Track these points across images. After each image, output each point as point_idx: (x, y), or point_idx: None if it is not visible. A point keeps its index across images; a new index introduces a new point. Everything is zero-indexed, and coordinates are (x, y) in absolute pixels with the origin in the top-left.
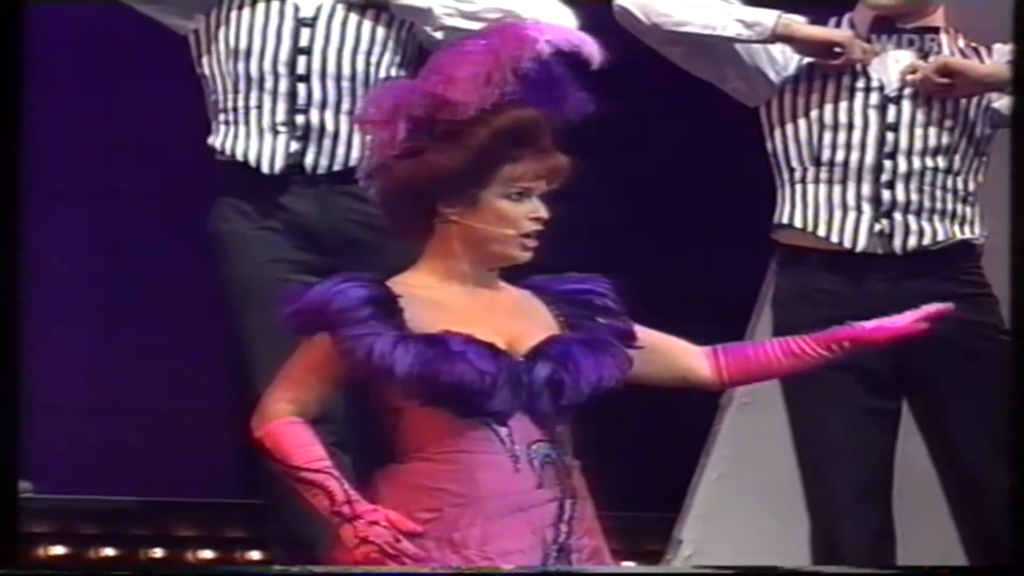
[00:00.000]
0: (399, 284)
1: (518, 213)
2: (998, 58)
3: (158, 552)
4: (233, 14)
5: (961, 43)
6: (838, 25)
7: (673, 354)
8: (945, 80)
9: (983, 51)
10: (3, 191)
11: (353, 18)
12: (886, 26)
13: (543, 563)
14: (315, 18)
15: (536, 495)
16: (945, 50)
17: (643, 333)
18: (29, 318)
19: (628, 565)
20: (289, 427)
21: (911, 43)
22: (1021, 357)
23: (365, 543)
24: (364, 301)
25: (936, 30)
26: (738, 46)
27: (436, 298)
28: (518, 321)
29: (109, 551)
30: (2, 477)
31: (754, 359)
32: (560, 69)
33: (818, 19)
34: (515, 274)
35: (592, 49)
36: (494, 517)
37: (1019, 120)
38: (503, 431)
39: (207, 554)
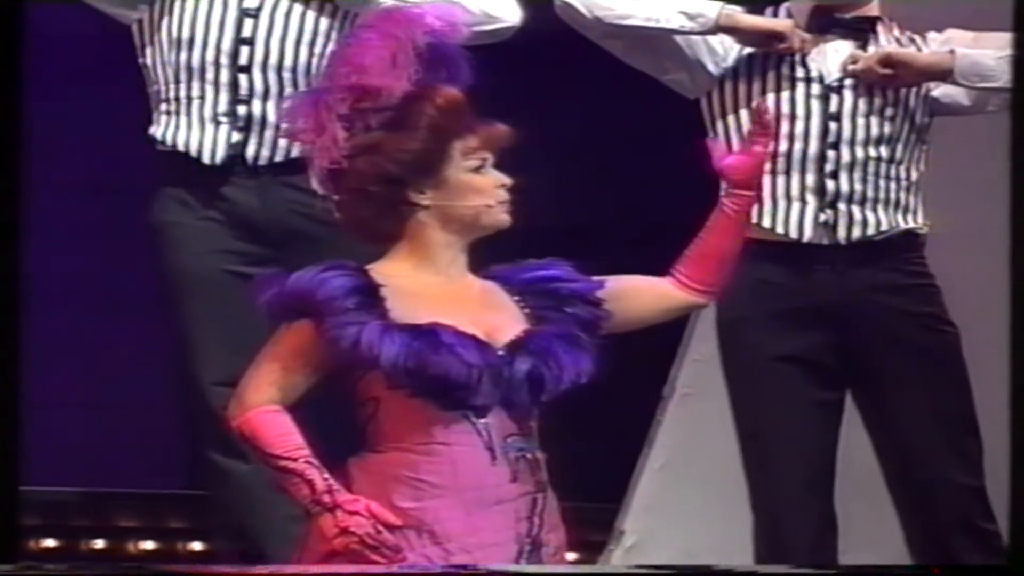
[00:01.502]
0: (378, 273)
1: (486, 184)
2: (936, 48)
3: (99, 543)
4: (177, 4)
5: (896, 33)
6: (775, 15)
7: (641, 292)
8: (887, 71)
9: (919, 40)
10: (3, 190)
11: (297, 8)
12: (824, 16)
13: (518, 556)
14: (259, 8)
15: (511, 488)
16: (882, 40)
17: (611, 282)
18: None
19: (570, 556)
20: (268, 415)
21: (849, 33)
22: (1021, 356)
23: (345, 533)
24: (349, 290)
25: (874, 20)
26: (678, 38)
27: (414, 288)
28: (491, 312)
29: (50, 542)
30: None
31: (697, 252)
32: (452, 45)
33: (754, 10)
34: (475, 264)
35: (465, 19)
36: (474, 509)
37: (1020, 114)
38: (482, 424)
39: (148, 545)
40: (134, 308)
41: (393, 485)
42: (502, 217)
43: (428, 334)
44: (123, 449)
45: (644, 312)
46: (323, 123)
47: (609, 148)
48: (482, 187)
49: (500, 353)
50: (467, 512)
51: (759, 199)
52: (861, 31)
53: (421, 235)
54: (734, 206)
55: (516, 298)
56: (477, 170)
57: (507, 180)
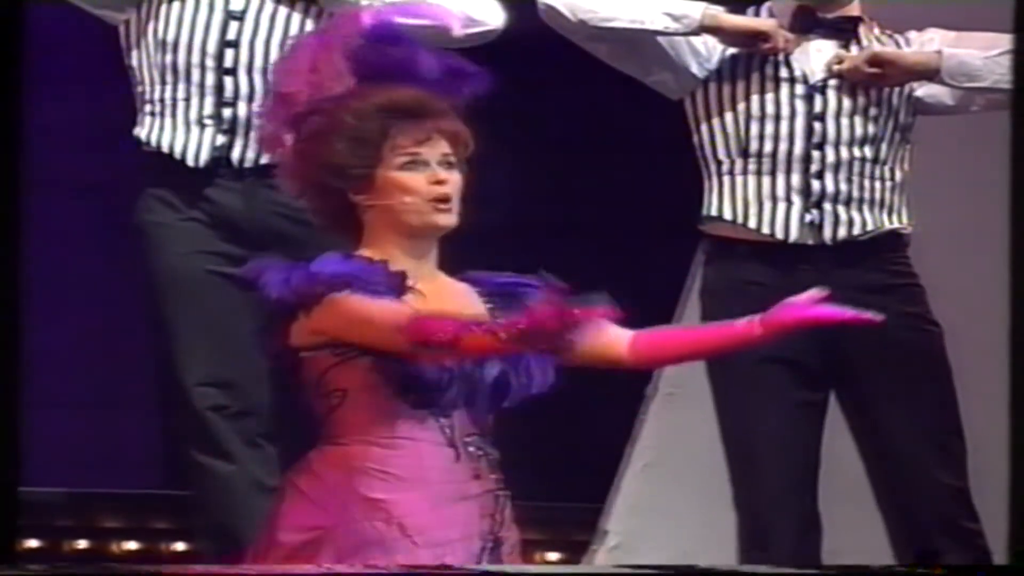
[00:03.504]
0: None
1: (417, 182)
2: (919, 47)
3: (82, 543)
4: (163, 7)
5: (877, 31)
6: (757, 15)
7: (601, 331)
8: (874, 70)
9: (900, 39)
10: (3, 190)
11: (282, 11)
12: (807, 16)
13: (480, 553)
14: (244, 11)
15: (474, 485)
16: (863, 40)
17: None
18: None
19: (553, 557)
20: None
21: (831, 33)
22: (1020, 355)
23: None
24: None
25: (856, 20)
26: (662, 40)
27: None
28: (462, 313)
29: (33, 543)
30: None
31: (671, 335)
32: (406, 43)
33: (737, 10)
34: (452, 268)
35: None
36: (439, 505)
37: (1019, 115)
38: (446, 422)
39: (131, 545)
40: (125, 309)
41: (359, 477)
42: (437, 218)
43: None
44: (106, 449)
45: (587, 346)
46: (276, 131)
47: (590, 148)
48: (413, 185)
49: None
50: (434, 507)
51: (761, 342)
52: (843, 31)
53: (374, 235)
54: (742, 331)
55: (485, 299)
56: (411, 166)
57: (442, 175)
